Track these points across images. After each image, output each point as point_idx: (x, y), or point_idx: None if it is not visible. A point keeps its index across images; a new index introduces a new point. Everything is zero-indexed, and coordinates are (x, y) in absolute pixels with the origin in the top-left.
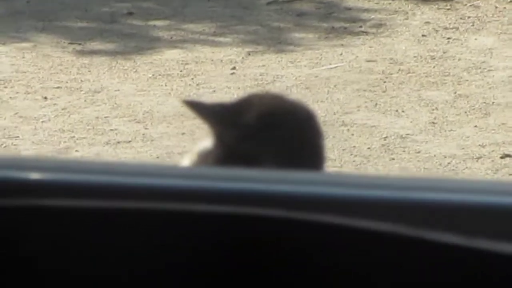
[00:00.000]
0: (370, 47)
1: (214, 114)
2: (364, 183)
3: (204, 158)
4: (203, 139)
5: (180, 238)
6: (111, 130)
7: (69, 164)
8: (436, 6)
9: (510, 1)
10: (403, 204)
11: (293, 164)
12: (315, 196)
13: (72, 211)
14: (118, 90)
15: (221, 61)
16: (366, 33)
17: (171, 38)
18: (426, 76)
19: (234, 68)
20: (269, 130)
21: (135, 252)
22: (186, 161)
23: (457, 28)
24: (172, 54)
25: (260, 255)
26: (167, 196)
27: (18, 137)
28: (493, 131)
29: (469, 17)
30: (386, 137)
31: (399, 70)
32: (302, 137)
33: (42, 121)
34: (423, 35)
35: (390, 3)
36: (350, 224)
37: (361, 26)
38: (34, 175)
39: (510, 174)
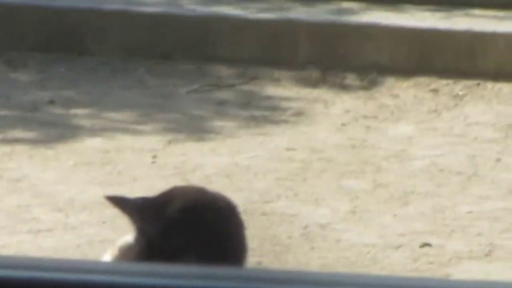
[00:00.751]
0: (290, 135)
1: (137, 209)
2: (287, 279)
3: (126, 253)
4: (125, 233)
5: None
6: (33, 218)
7: None
8: (356, 95)
9: (429, 91)
10: None
11: (216, 256)
12: None
13: None
14: (40, 178)
15: (142, 149)
16: (286, 121)
17: (92, 126)
18: (346, 165)
19: (154, 156)
20: (191, 224)
21: None
22: (107, 256)
23: (376, 117)
24: (93, 142)
25: None
26: None
27: None
28: (412, 220)
29: (388, 106)
30: (306, 226)
31: (319, 158)
32: (224, 229)
33: None
34: (342, 124)
35: (310, 92)
36: None
37: (281, 115)
38: None
39: (429, 263)
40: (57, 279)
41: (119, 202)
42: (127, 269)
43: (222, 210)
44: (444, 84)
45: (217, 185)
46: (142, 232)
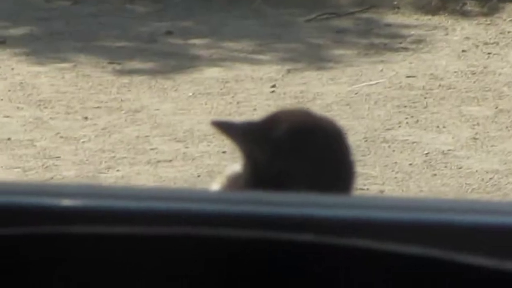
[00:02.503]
0: (410, 63)
1: (243, 133)
2: (397, 205)
3: (234, 182)
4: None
5: (210, 263)
6: (152, 149)
7: (99, 189)
8: (476, 21)
9: None
10: (435, 227)
11: (324, 180)
12: (346, 219)
13: (104, 237)
14: (158, 109)
15: (261, 79)
16: (406, 49)
17: (210, 56)
18: (466, 92)
19: (274, 86)
20: (299, 145)
21: (167, 277)
22: (216, 185)
23: (498, 43)
24: (212, 73)
25: (290, 280)
26: (198, 221)
27: (59, 157)
28: None
29: (509, 32)
30: (428, 153)
31: (440, 85)
32: (333, 152)
33: (83, 141)
34: (463, 51)
35: (430, 19)
36: (380, 248)
37: (401, 42)
38: (67, 202)
39: None
40: (165, 208)
41: (225, 126)
42: (234, 198)
43: (331, 132)
44: None
45: (337, 113)
46: (249, 158)
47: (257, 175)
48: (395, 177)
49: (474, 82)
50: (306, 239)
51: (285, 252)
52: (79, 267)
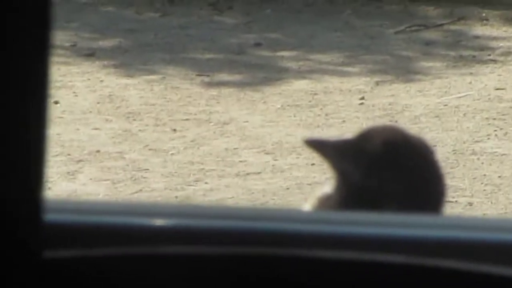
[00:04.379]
0: (499, 75)
1: (337, 150)
2: (483, 226)
3: (325, 202)
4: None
5: (304, 283)
6: (241, 161)
7: (187, 209)
8: None
9: None
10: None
11: (417, 196)
12: (435, 240)
13: (190, 256)
14: (247, 121)
15: (350, 91)
16: (495, 61)
17: (299, 68)
18: None
19: (362, 98)
20: (395, 162)
21: None
22: (307, 206)
23: None
24: (300, 85)
25: None
26: (290, 241)
27: (148, 169)
28: None
29: None
30: None
31: None
32: (426, 168)
33: (172, 153)
34: None
35: None
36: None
37: (489, 54)
38: (157, 221)
39: None
40: (259, 228)
41: (319, 145)
42: (324, 218)
43: (422, 148)
44: None
45: (426, 125)
46: (342, 176)
47: (350, 193)
48: (484, 190)
49: None
50: (397, 260)
51: (377, 273)
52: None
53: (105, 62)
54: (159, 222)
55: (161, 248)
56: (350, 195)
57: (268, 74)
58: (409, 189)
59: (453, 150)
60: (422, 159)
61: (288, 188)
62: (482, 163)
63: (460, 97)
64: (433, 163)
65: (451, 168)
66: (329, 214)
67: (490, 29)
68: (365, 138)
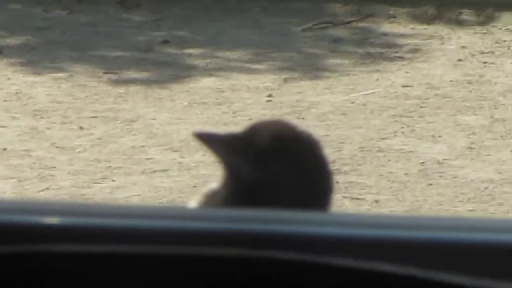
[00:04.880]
0: (406, 72)
1: (226, 144)
2: (368, 223)
3: (211, 199)
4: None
5: (186, 281)
6: (147, 159)
7: (76, 207)
8: (472, 30)
9: None
10: (408, 244)
11: (305, 189)
12: (324, 237)
13: (80, 255)
14: (154, 118)
15: (257, 88)
16: (402, 58)
17: (207, 66)
18: (462, 101)
19: (270, 95)
20: (282, 154)
21: None
22: (193, 203)
23: (493, 52)
24: (208, 82)
25: None
26: (176, 239)
27: (54, 167)
28: None
29: (504, 41)
30: (423, 162)
31: (436, 95)
32: (313, 161)
33: (78, 151)
34: (459, 60)
35: (425, 28)
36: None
37: (397, 52)
38: (48, 220)
39: None
40: (143, 226)
41: (207, 138)
42: (210, 215)
43: (310, 142)
44: None
45: (333, 123)
46: (231, 171)
47: (237, 189)
48: (391, 187)
49: (470, 91)
50: (285, 257)
51: (262, 271)
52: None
53: (12, 60)
54: (51, 220)
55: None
56: (237, 190)
57: (175, 72)
58: (296, 183)
59: (360, 148)
60: (310, 154)
61: (195, 186)
62: (389, 160)
63: (367, 94)
64: (321, 158)
65: (358, 165)
66: (215, 211)
67: (397, 27)
68: (253, 132)
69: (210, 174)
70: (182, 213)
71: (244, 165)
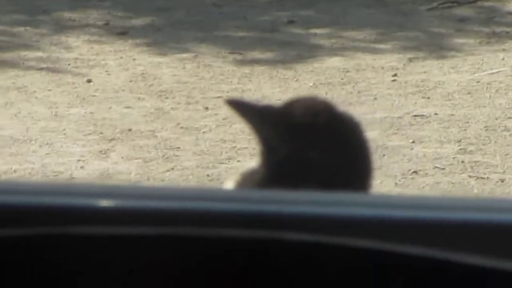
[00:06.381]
0: None
1: (260, 114)
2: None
3: (249, 179)
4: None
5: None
6: None
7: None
8: None
9: None
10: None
11: (340, 170)
12: (362, 219)
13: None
14: (280, 99)
15: (382, 68)
16: None
17: (332, 46)
18: None
19: (395, 75)
20: (316, 131)
21: (182, 275)
22: (229, 183)
23: None
24: (332, 62)
25: (297, 282)
26: (209, 220)
27: (179, 148)
28: None
29: None
30: None
31: None
32: (350, 142)
33: (203, 132)
34: None
35: None
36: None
37: None
38: (103, 202)
39: None
40: (175, 207)
41: (241, 106)
42: (246, 196)
43: (349, 123)
44: None
45: (458, 102)
46: (264, 142)
47: (272, 162)
48: None
49: None
50: (314, 239)
51: (292, 252)
52: (114, 268)
53: (138, 41)
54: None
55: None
56: (271, 164)
57: (300, 52)
58: (332, 160)
59: (485, 127)
60: (349, 134)
61: None
62: None
63: (492, 73)
64: (360, 139)
65: (483, 144)
66: (249, 192)
67: None
68: (290, 106)
69: None
70: (212, 194)
71: (276, 137)
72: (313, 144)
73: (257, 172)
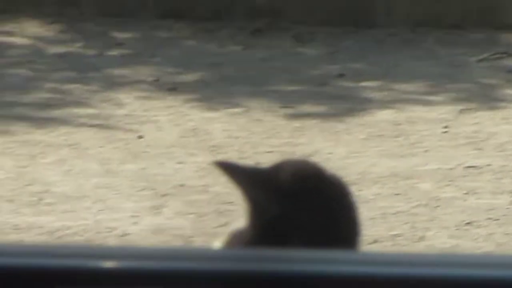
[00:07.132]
0: None
1: (249, 177)
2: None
3: (237, 238)
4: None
5: None
6: None
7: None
8: None
9: None
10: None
11: (327, 231)
12: (353, 276)
13: None
14: (331, 152)
15: (434, 119)
16: None
17: (383, 98)
18: None
19: (446, 126)
20: (304, 193)
21: None
22: (217, 243)
23: None
24: (384, 115)
25: None
26: (198, 281)
27: (232, 202)
28: None
29: None
30: None
31: None
32: (337, 204)
33: None
34: None
35: None
36: None
37: None
38: (107, 264)
39: None
40: (163, 268)
41: (230, 169)
42: (233, 255)
43: (336, 185)
44: None
45: (511, 153)
46: (253, 204)
47: (260, 223)
48: None
49: None
50: None
51: None
52: None
53: (188, 96)
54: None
55: None
56: (261, 227)
57: (351, 105)
58: (319, 220)
59: None
60: (337, 197)
61: (372, 218)
62: None
63: None
64: (348, 202)
65: None
66: (237, 252)
67: None
68: (278, 168)
69: (388, 206)
70: (202, 254)
71: (265, 200)
72: (302, 207)
73: (245, 232)
